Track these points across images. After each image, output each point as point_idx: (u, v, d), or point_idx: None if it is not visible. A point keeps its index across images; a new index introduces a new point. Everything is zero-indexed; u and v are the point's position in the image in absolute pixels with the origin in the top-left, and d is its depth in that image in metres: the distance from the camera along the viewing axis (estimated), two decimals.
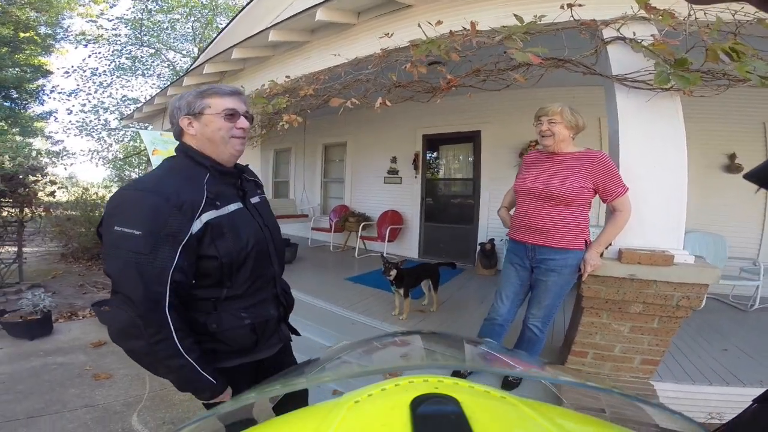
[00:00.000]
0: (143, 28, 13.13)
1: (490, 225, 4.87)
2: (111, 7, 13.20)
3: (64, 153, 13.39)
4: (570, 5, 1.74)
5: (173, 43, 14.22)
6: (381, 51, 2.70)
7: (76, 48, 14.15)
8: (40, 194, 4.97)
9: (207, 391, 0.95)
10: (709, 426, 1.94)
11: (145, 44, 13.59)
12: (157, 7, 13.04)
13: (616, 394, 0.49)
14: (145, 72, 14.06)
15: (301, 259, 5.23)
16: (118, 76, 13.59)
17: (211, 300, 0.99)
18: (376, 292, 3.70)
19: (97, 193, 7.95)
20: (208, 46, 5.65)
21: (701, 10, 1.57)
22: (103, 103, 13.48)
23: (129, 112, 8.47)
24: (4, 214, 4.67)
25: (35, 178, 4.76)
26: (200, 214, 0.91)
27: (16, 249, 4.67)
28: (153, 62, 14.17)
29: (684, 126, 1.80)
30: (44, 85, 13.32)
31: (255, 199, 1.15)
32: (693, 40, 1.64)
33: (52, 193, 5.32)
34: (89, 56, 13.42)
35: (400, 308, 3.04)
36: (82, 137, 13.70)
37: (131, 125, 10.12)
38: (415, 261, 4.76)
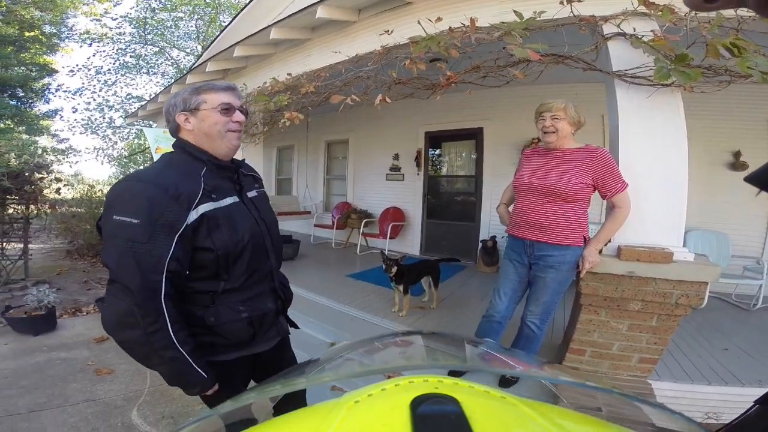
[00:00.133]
0: (147, 27, 13.20)
1: (492, 222, 4.86)
2: (115, 6, 13.28)
3: (70, 151, 13.53)
4: (569, 1, 1.73)
5: (177, 41, 14.30)
6: (381, 48, 2.70)
7: (80, 47, 14.20)
8: (45, 191, 5.02)
9: (197, 385, 0.96)
10: (707, 426, 1.93)
11: (149, 43, 13.67)
12: (160, 5, 13.10)
13: (617, 395, 0.49)
14: (150, 70, 14.16)
15: (303, 256, 5.25)
16: (122, 75, 13.70)
17: (209, 293, 1.00)
18: (377, 288, 3.71)
19: (102, 191, 8.02)
20: (211, 44, 5.67)
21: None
22: (107, 101, 13.61)
23: (133, 110, 8.53)
24: (10, 211, 4.73)
25: (41, 175, 4.82)
26: (197, 205, 0.93)
27: (21, 246, 4.73)
28: (157, 60, 14.27)
29: (685, 122, 1.78)
30: (50, 84, 13.42)
31: (252, 193, 1.16)
32: (694, 36, 1.62)
33: (58, 190, 5.38)
34: (94, 55, 13.48)
35: (399, 305, 3.05)
36: (87, 135, 13.85)
37: (135, 123, 10.18)
38: (417, 258, 4.76)
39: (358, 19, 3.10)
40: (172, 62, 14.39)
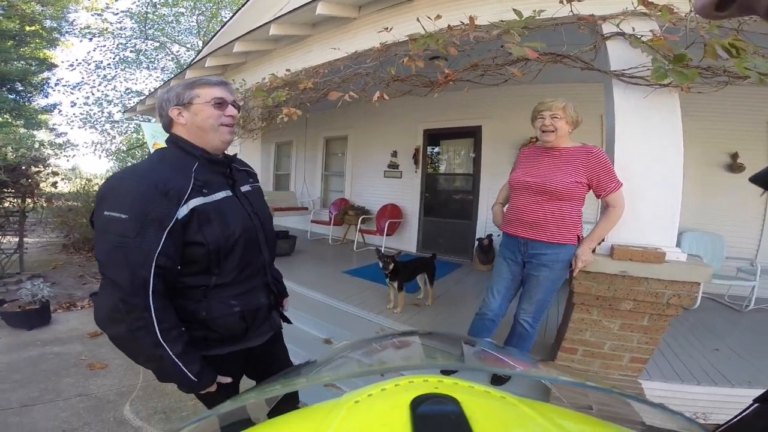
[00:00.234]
0: (148, 22, 13.10)
1: (489, 220, 4.86)
2: (117, 0, 13.24)
3: (67, 145, 13.48)
4: (569, 0, 1.73)
5: (178, 36, 14.20)
6: (380, 45, 2.69)
7: (81, 41, 14.14)
8: (42, 185, 5.00)
9: (186, 386, 0.96)
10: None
11: (149, 38, 13.57)
12: (162, 0, 12.99)
13: (617, 395, 0.50)
14: (150, 65, 14.06)
15: (300, 252, 5.26)
16: (122, 69, 13.60)
17: (201, 288, 1.00)
18: (372, 285, 3.72)
19: (99, 185, 7.98)
20: (211, 39, 5.64)
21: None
22: (106, 95, 13.53)
23: (132, 105, 8.49)
24: (6, 204, 4.70)
25: (37, 169, 4.79)
26: (187, 200, 0.93)
27: (17, 239, 4.71)
28: (157, 55, 14.16)
29: (681, 123, 1.79)
30: (49, 78, 13.37)
31: (246, 188, 1.17)
32: (693, 36, 1.62)
33: (54, 184, 5.36)
34: (94, 49, 13.42)
35: (394, 302, 3.06)
36: (85, 129, 13.80)
37: (134, 118, 10.13)
38: (413, 255, 4.78)
39: (358, 15, 3.09)
40: (172, 57, 14.31)
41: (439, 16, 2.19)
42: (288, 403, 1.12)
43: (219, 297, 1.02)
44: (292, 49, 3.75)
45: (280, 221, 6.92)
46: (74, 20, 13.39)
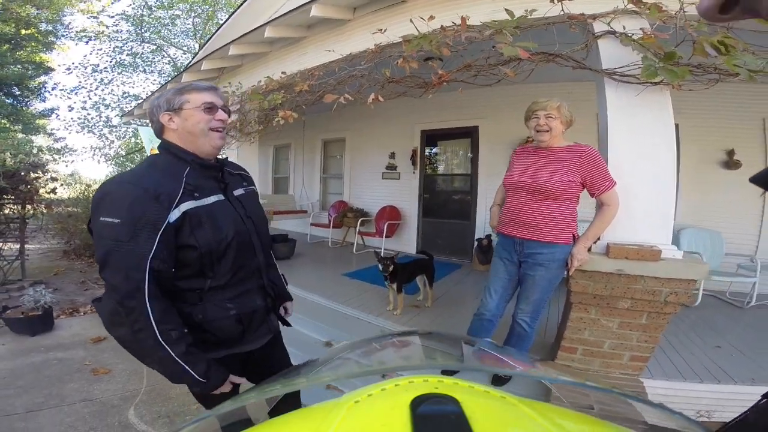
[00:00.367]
0: (144, 25, 13.12)
1: (487, 221, 4.83)
2: (112, 3, 13.23)
3: (66, 150, 13.48)
4: None
5: (174, 39, 14.21)
6: (374, 47, 2.69)
7: (76, 44, 14.19)
8: (41, 191, 5.01)
9: (195, 386, 0.97)
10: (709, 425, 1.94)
11: (146, 41, 13.58)
12: (157, 3, 13.01)
13: (617, 394, 0.50)
14: (147, 69, 14.09)
15: (300, 255, 5.25)
16: (119, 73, 13.62)
17: (196, 291, 1.02)
18: (372, 287, 3.72)
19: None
20: (207, 42, 5.65)
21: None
22: (104, 99, 13.53)
23: (129, 109, 8.50)
24: (6, 211, 4.72)
25: (36, 175, 4.80)
26: (178, 204, 0.95)
27: (18, 246, 4.72)
28: (154, 59, 14.18)
29: (674, 120, 1.79)
30: (46, 82, 13.35)
31: (239, 192, 1.18)
32: (683, 34, 1.62)
33: (54, 190, 5.37)
34: (90, 53, 13.49)
35: (394, 303, 3.05)
36: (84, 134, 13.79)
37: (132, 122, 10.15)
38: (413, 256, 4.77)
39: (353, 17, 3.09)
40: (169, 60, 14.32)
41: (432, 17, 2.19)
42: (290, 403, 1.11)
43: (214, 300, 1.04)
44: (288, 51, 3.75)
45: (280, 224, 6.92)
46: (70, 23, 13.39)
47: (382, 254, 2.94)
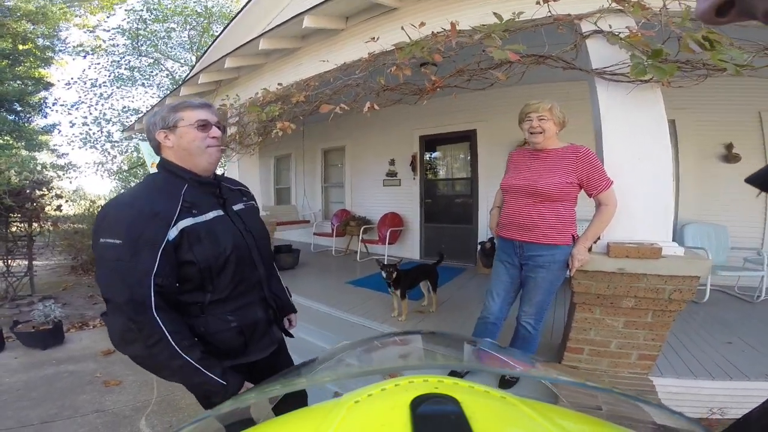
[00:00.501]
0: (140, 38, 13.25)
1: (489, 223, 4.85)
2: (108, 18, 13.32)
3: (69, 166, 13.54)
4: (546, 0, 1.74)
5: (171, 52, 14.36)
6: (368, 55, 2.72)
7: (74, 59, 14.15)
8: (47, 209, 5.07)
9: (218, 392, 0.97)
10: (711, 423, 1.90)
11: (143, 54, 13.73)
12: (152, 16, 13.12)
13: (616, 394, 0.49)
14: (145, 82, 14.23)
15: (304, 265, 5.26)
16: (118, 87, 13.75)
17: (198, 304, 1.03)
18: (376, 294, 3.71)
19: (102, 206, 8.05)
20: (203, 55, 5.72)
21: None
22: (104, 114, 13.65)
23: (130, 124, 8.60)
24: (14, 228, 4.78)
25: (41, 192, 4.86)
26: (176, 222, 0.96)
27: (26, 262, 4.77)
28: (152, 72, 14.34)
29: (666, 117, 1.78)
30: (46, 98, 13.40)
31: (238, 206, 1.19)
32: (669, 31, 1.63)
33: (59, 207, 5.44)
34: (89, 67, 13.62)
35: (398, 310, 3.04)
36: (86, 149, 13.93)
37: (133, 136, 10.27)
38: (416, 262, 4.76)
39: (345, 26, 3.13)
40: (167, 73, 14.48)
41: (423, 24, 2.21)
42: (297, 401, 1.12)
43: (215, 312, 1.05)
44: (283, 62, 3.79)
45: (284, 235, 6.95)
46: (66, 38, 13.51)
47: (385, 261, 2.94)
